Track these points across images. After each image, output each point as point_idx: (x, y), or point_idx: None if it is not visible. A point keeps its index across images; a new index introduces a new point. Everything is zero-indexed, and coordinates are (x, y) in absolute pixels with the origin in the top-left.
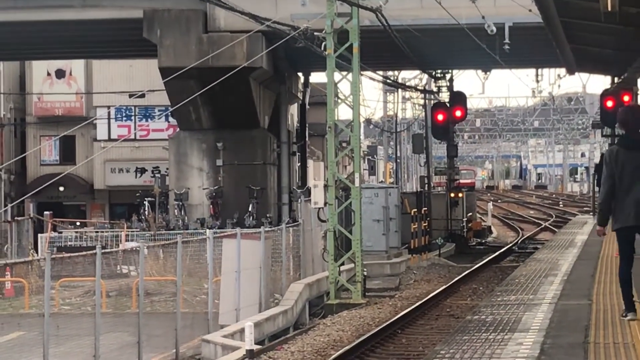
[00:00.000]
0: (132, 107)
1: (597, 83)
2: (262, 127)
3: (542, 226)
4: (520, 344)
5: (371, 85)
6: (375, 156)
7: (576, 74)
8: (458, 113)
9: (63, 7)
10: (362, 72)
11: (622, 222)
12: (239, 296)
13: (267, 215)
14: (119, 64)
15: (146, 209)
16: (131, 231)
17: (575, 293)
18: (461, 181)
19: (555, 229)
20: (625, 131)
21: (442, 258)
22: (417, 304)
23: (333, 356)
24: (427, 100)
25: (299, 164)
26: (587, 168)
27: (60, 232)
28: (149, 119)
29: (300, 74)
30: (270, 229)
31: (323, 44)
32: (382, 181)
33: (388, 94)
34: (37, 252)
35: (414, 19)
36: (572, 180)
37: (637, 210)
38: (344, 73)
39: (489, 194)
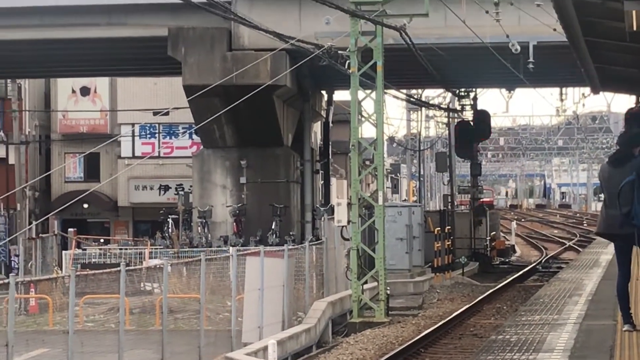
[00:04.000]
0: (156, 125)
1: (622, 102)
2: (285, 145)
3: (566, 245)
4: None
5: (395, 103)
6: (398, 174)
7: (601, 93)
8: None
9: (89, 25)
10: (385, 91)
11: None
12: (262, 314)
13: (291, 233)
14: (143, 81)
15: (170, 226)
16: (155, 248)
17: (600, 313)
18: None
19: (580, 249)
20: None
21: (466, 277)
22: (441, 323)
23: None
24: (450, 119)
25: (322, 181)
26: None
27: (84, 249)
28: (173, 137)
29: (324, 92)
30: (293, 247)
31: (347, 62)
32: (405, 199)
33: (411, 112)
34: (61, 269)
35: (438, 37)
36: (597, 200)
37: (607, 222)
38: (368, 91)
39: (512, 213)
